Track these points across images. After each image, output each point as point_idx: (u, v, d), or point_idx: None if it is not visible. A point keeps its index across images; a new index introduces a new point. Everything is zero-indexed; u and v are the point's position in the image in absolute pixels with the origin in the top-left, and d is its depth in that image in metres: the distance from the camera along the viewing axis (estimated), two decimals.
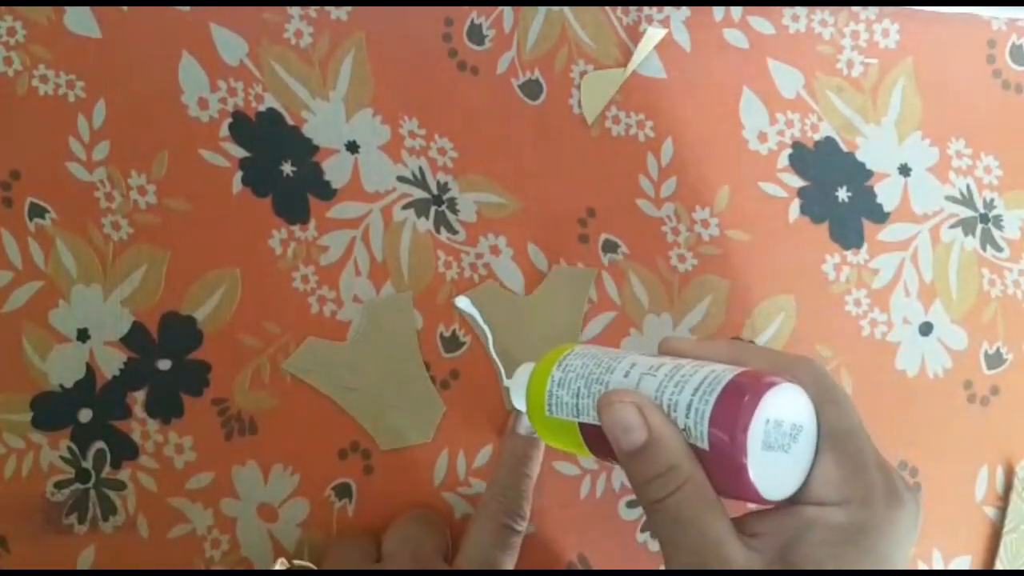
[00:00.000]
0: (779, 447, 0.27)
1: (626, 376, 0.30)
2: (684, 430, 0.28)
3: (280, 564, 0.35)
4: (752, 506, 0.30)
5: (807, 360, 0.30)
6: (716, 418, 0.27)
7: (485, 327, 0.39)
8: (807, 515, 0.28)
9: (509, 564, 0.37)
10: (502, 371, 0.40)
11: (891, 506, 0.28)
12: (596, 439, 0.31)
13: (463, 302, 0.40)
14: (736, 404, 0.27)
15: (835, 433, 0.29)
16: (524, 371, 0.36)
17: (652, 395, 0.29)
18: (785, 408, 0.28)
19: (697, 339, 0.40)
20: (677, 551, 0.28)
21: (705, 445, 0.27)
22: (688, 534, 0.27)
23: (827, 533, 0.27)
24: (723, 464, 0.27)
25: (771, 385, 0.27)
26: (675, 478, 0.27)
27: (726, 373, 0.28)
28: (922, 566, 0.42)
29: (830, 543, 0.27)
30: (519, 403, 0.36)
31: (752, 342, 0.42)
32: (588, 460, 0.41)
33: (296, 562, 0.36)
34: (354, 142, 0.40)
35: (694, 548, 0.27)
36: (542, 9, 0.41)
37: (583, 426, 0.32)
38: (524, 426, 0.39)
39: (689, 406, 0.28)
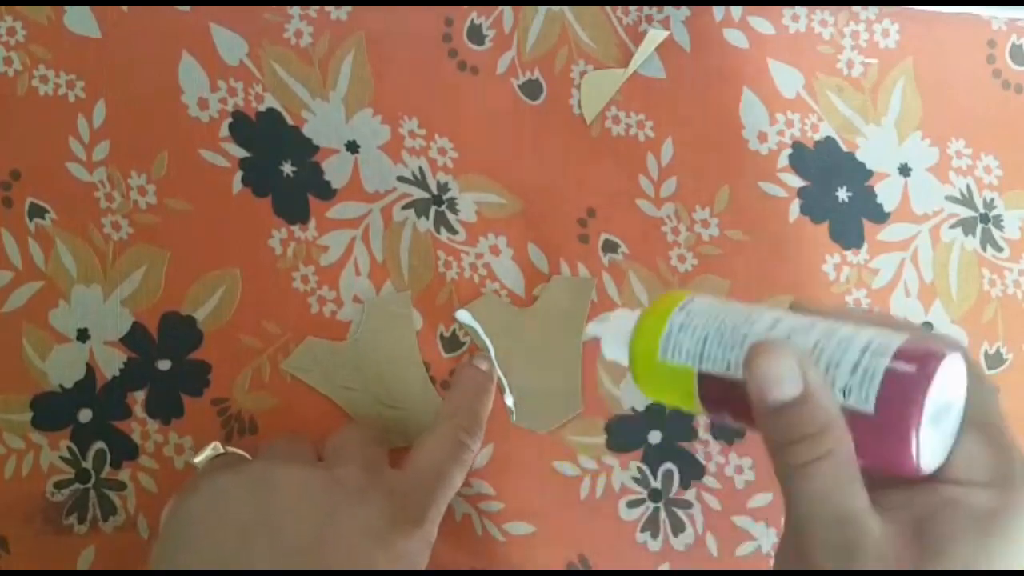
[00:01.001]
0: (936, 421, 0.26)
1: (772, 329, 0.29)
2: (844, 390, 0.26)
3: (212, 448, 0.35)
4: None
5: (956, 340, 0.30)
6: (889, 380, 0.26)
7: (487, 340, 0.40)
8: (948, 493, 0.27)
9: (459, 480, 0.36)
10: (506, 385, 0.40)
11: None
12: (716, 391, 0.29)
13: (464, 316, 0.40)
14: (912, 368, 0.26)
15: (981, 416, 0.28)
16: (621, 317, 0.33)
17: (808, 352, 0.27)
18: (950, 381, 0.27)
19: (832, 306, 0.37)
20: (815, 518, 0.27)
21: (869, 408, 0.26)
22: (832, 501, 0.26)
23: (968, 515, 0.26)
24: (886, 429, 0.26)
25: (946, 355, 0.26)
26: (827, 440, 0.26)
27: (895, 337, 0.27)
28: None
29: (971, 527, 0.26)
30: (615, 351, 0.33)
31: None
32: (587, 461, 0.41)
33: (230, 448, 0.36)
34: (354, 142, 0.40)
35: (837, 517, 0.26)
36: (542, 9, 0.41)
37: (703, 375, 0.30)
38: (481, 361, 0.39)
39: (856, 364, 0.26)
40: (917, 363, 0.26)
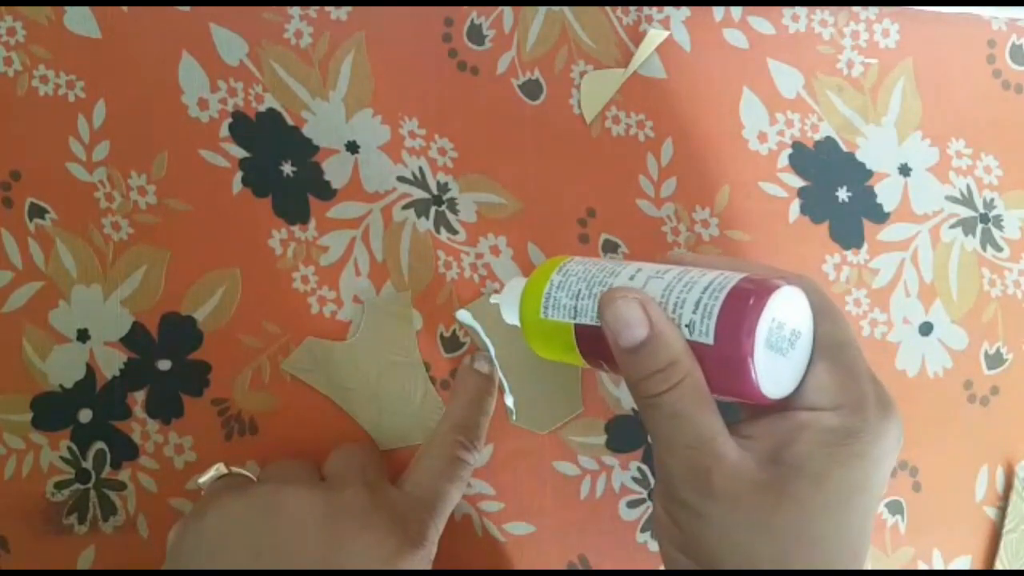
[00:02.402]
0: (778, 349, 0.28)
1: (631, 279, 0.31)
2: (689, 326, 0.28)
3: (216, 470, 0.35)
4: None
5: (806, 277, 0.31)
6: (725, 313, 0.28)
7: (487, 340, 0.40)
8: (800, 419, 0.29)
9: (457, 496, 0.37)
10: (506, 385, 0.40)
11: (882, 416, 0.29)
12: (590, 341, 0.32)
13: (464, 316, 0.40)
14: (745, 301, 0.28)
15: (830, 344, 0.30)
16: (515, 284, 0.36)
17: (659, 296, 0.30)
18: (788, 311, 0.28)
19: (699, 253, 0.40)
20: (671, 447, 0.28)
21: (710, 339, 0.28)
22: (684, 428, 0.28)
23: (820, 434, 0.28)
24: (726, 358, 0.28)
25: (778, 287, 0.28)
26: (675, 373, 0.28)
27: (734, 276, 0.29)
28: (922, 566, 0.42)
29: (823, 443, 0.28)
30: (509, 315, 0.36)
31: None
32: (587, 461, 0.41)
33: (234, 468, 0.36)
34: (354, 142, 0.40)
35: (689, 443, 0.28)
36: (542, 9, 0.41)
37: (579, 329, 0.32)
38: (482, 363, 0.39)
39: (698, 303, 0.28)
40: (750, 296, 0.28)
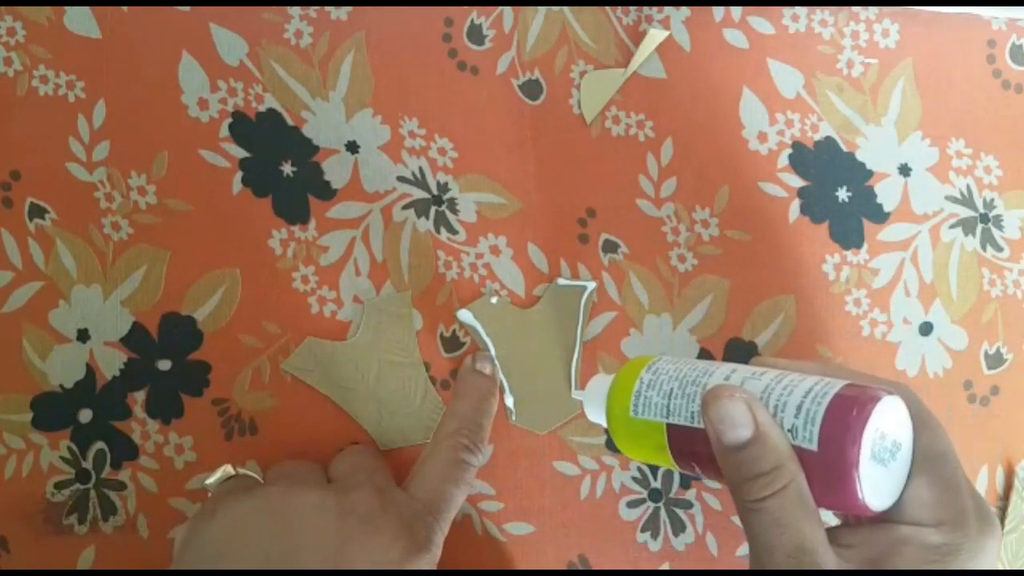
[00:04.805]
0: (880, 460, 0.28)
1: (727, 379, 0.30)
2: (791, 430, 0.28)
3: (223, 472, 0.35)
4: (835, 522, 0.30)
5: (902, 385, 0.31)
6: (829, 420, 0.27)
7: (487, 340, 0.40)
8: (900, 533, 0.29)
9: (462, 498, 0.37)
10: (506, 385, 0.40)
11: (983, 531, 0.28)
12: (683, 442, 0.31)
13: (465, 315, 0.40)
14: (849, 409, 0.27)
15: (929, 455, 0.29)
16: (599, 381, 0.35)
17: (757, 396, 0.29)
18: (890, 421, 0.28)
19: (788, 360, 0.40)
20: (771, 553, 0.28)
21: (813, 446, 0.27)
22: (786, 536, 0.27)
23: (921, 551, 0.28)
24: (829, 466, 0.27)
25: (881, 397, 0.28)
26: (780, 478, 0.27)
27: (836, 382, 0.29)
28: None
29: (925, 560, 0.28)
30: (594, 414, 0.35)
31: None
32: (587, 461, 0.41)
33: (241, 470, 0.36)
34: (354, 142, 0.40)
35: (791, 551, 0.27)
36: (542, 9, 0.41)
37: (671, 429, 0.31)
38: (484, 364, 0.39)
39: (800, 407, 0.28)
40: (854, 404, 0.27)
